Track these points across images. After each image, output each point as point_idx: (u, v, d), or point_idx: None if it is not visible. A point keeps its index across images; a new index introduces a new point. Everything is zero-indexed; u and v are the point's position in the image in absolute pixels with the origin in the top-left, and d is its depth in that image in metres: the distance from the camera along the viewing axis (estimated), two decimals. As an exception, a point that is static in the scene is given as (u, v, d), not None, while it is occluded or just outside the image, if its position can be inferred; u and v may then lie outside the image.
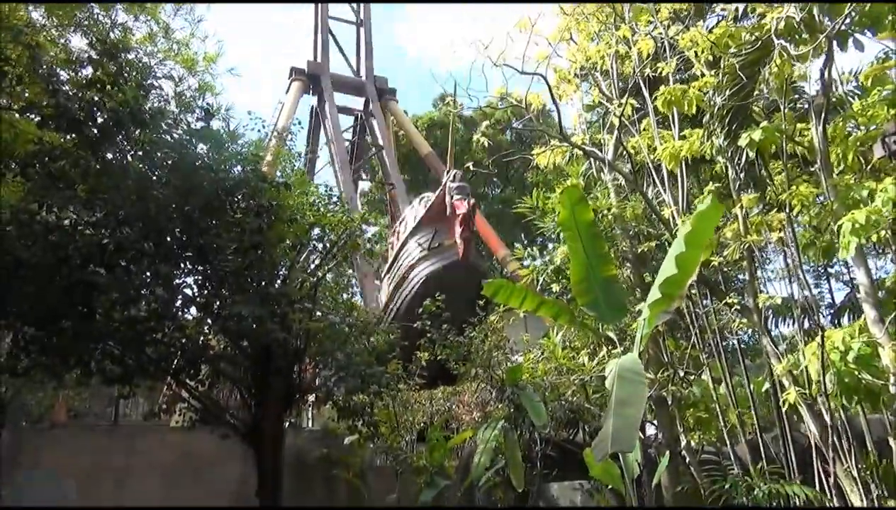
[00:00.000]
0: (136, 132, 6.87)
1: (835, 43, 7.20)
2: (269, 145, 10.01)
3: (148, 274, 7.47)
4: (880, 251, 8.56)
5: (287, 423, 10.57)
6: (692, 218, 5.86)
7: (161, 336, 8.06)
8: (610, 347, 9.08)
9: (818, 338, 7.03)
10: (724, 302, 8.97)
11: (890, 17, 6.97)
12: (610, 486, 8.13)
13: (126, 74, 6.73)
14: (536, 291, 10.16)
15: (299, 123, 30.21)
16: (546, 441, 10.36)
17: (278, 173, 8.34)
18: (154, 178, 7.27)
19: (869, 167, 7.47)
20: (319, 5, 30.74)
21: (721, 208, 6.17)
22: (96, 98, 6.47)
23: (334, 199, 9.99)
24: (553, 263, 10.94)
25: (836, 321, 11.74)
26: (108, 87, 6.52)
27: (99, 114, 6.54)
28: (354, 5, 31.30)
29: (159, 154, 7.15)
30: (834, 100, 8.34)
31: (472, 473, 9.58)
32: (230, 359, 9.09)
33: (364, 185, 42.69)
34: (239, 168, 7.46)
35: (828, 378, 6.81)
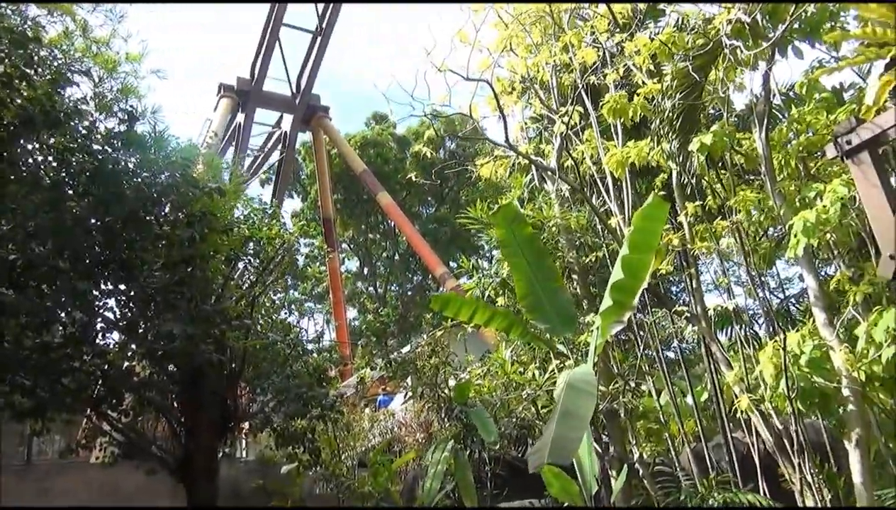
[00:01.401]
0: (50, 135, 6.18)
1: (776, 50, 7.30)
2: (198, 158, 9.42)
3: (63, 294, 6.72)
4: (825, 258, 8.70)
5: (220, 454, 9.83)
6: (636, 218, 5.76)
7: (79, 363, 7.29)
8: (562, 360, 8.87)
9: (771, 344, 7.02)
10: (673, 310, 8.92)
11: (828, 25, 7.10)
12: (566, 504, 7.87)
13: (38, 69, 6.06)
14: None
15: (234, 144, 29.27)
16: (496, 460, 10.04)
17: (210, 183, 7.74)
18: (70, 186, 6.57)
19: (814, 171, 7.57)
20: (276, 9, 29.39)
21: (665, 206, 6.11)
22: (1, 95, 5.76)
23: (269, 211, 9.46)
24: (498, 276, 10.69)
25: (771, 329, 11.98)
26: (16, 81, 5.83)
27: (5, 112, 5.83)
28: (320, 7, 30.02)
29: (76, 160, 6.46)
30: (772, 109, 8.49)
31: (421, 497, 9.14)
32: (157, 385, 8.34)
33: (296, 205, 41.82)
34: (166, 174, 6.85)
35: (782, 383, 6.77)
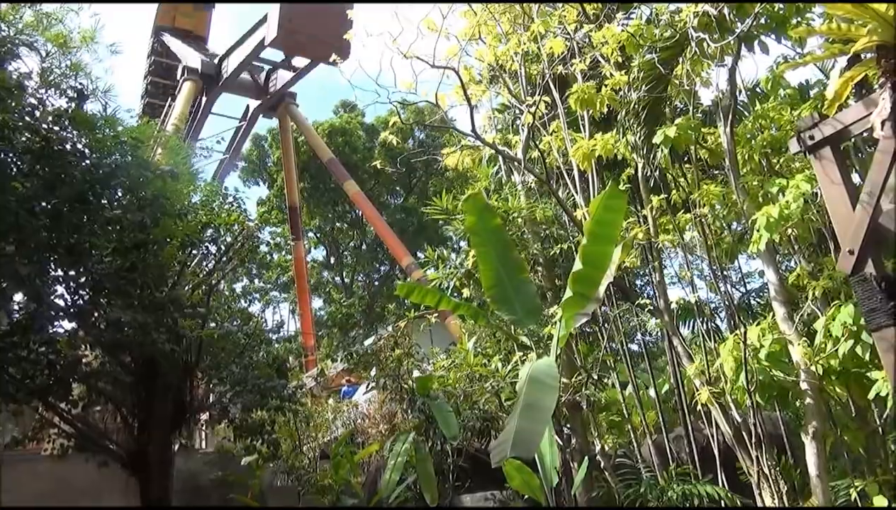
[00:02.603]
0: (-10, 111, 5.84)
1: (742, 44, 7.31)
2: (157, 140, 9.10)
3: (6, 279, 6.41)
4: (786, 253, 8.79)
5: (176, 446, 9.56)
6: (594, 208, 5.73)
7: (25, 352, 6.98)
8: (525, 352, 8.82)
9: (732, 338, 7.06)
10: (636, 304, 8.94)
11: (794, 20, 7.12)
12: (527, 496, 7.84)
13: (-28, 39, 5.73)
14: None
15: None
16: (458, 452, 9.96)
17: (164, 166, 7.43)
18: (14, 165, 6.23)
19: (777, 166, 7.62)
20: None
21: (624, 195, 6.11)
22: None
23: (230, 198, 9.18)
24: (463, 267, 10.59)
25: (732, 323, 12.13)
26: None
27: (-63, 84, 5.50)
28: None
29: (21, 138, 6.13)
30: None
31: (381, 489, 9.03)
32: (109, 375, 8.05)
33: (262, 192, 41.20)
34: (117, 155, 6.55)
35: (741, 376, 6.81)
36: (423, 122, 18.31)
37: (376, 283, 41.26)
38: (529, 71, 10.88)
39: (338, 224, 41.75)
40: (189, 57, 28.99)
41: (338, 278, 42.03)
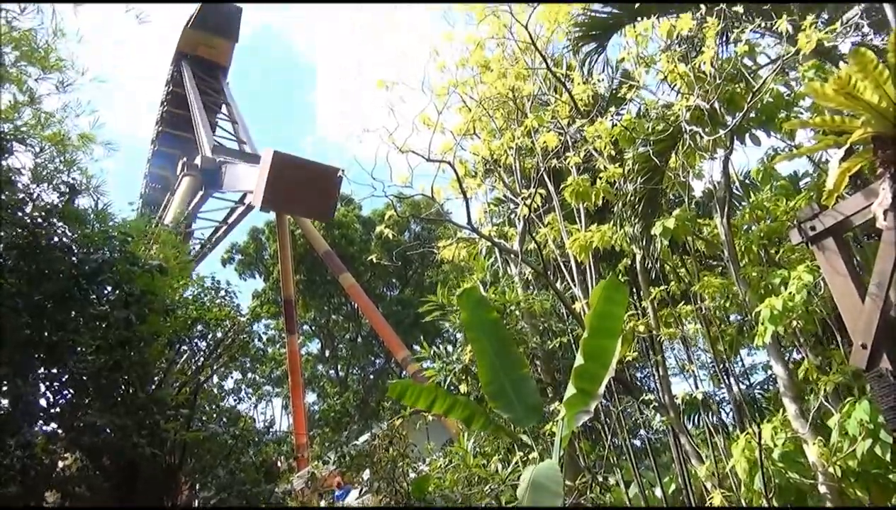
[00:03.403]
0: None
1: (734, 137, 7.40)
2: (152, 234, 9.02)
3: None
4: (790, 344, 8.58)
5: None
6: (595, 301, 5.58)
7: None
8: (526, 452, 8.41)
9: (743, 437, 6.72)
10: (640, 400, 8.62)
11: (783, 113, 7.23)
12: None
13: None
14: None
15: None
16: (457, 561, 9.31)
17: (153, 261, 7.29)
18: (-2, 262, 6.10)
19: (777, 257, 7.53)
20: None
21: (624, 287, 5.96)
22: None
23: (221, 292, 9.01)
24: (461, 362, 10.30)
25: (738, 418, 11.73)
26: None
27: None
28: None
29: (5, 234, 6.02)
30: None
31: None
32: (86, 481, 7.58)
33: (258, 285, 41.08)
34: (104, 250, 6.42)
35: (756, 478, 6.44)
36: (419, 215, 18.43)
37: (371, 377, 40.45)
38: (524, 164, 11.02)
39: (333, 317, 41.38)
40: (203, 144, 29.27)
41: (332, 372, 41.23)
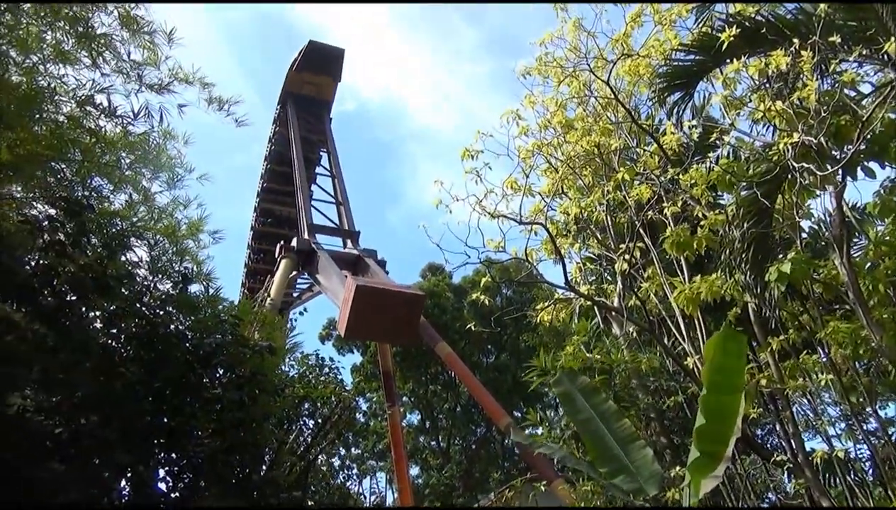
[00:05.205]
0: (101, 302, 6.17)
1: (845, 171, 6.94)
2: (256, 316, 9.35)
3: (108, 468, 6.36)
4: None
5: None
6: (710, 355, 5.19)
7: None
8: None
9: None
10: (770, 460, 7.93)
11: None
12: None
13: (90, 235, 6.18)
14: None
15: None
16: None
17: (262, 342, 7.54)
18: (120, 352, 6.45)
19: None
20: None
21: (742, 338, 5.52)
22: (53, 263, 5.83)
23: (325, 369, 9.15)
24: (570, 428, 9.89)
25: (879, 477, 10.60)
26: (69, 248, 5.92)
27: (56, 281, 5.87)
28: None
29: (127, 325, 6.41)
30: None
31: None
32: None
33: (356, 359, 41.74)
34: (216, 334, 6.70)
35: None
36: (513, 279, 18.31)
37: (473, 447, 39.69)
38: (617, 219, 10.77)
39: (431, 387, 41.24)
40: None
41: (434, 442, 40.79)
